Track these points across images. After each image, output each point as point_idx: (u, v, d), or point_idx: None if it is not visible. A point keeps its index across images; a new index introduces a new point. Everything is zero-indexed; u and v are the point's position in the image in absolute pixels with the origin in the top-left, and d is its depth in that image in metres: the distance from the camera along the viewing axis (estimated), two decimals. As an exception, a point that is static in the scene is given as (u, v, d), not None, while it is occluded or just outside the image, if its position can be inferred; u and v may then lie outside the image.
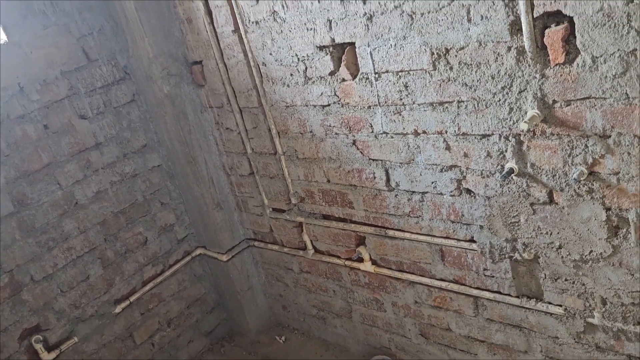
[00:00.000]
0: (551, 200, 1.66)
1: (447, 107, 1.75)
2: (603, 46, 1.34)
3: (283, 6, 2.00)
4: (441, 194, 1.94)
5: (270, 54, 2.17)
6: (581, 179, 1.53)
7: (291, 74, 2.15)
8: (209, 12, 2.31)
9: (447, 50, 1.64)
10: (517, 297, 1.95)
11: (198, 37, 2.43)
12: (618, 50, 1.33)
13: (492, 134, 1.68)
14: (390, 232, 2.20)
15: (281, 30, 2.07)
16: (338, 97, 2.04)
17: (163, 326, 2.90)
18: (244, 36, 2.22)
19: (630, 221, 1.53)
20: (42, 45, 2.30)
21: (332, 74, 2.00)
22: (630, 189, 1.48)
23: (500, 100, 1.60)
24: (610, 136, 1.45)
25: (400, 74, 1.80)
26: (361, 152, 2.10)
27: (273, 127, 2.38)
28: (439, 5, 1.58)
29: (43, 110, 2.33)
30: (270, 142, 2.45)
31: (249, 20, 2.17)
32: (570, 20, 1.38)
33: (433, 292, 2.25)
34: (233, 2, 2.17)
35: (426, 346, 2.46)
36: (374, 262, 2.39)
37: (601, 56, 1.36)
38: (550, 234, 1.72)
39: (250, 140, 2.54)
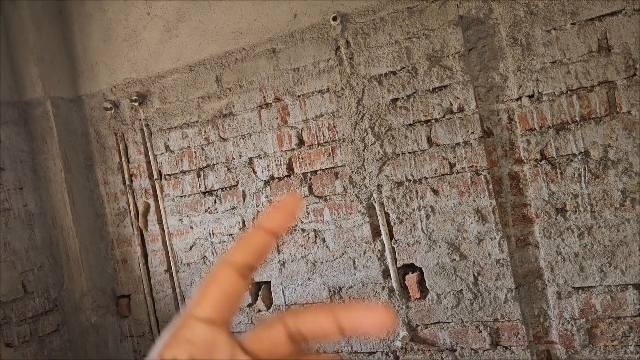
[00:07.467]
0: (423, 404, 2.16)
1: (341, 331, 2.29)
2: (442, 287, 2.04)
3: (213, 252, 2.58)
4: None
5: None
6: (442, 384, 2.08)
7: (214, 306, 2.61)
8: (145, 255, 2.81)
9: (340, 288, 2.26)
10: None
11: (130, 274, 2.86)
12: (452, 290, 2.03)
13: (376, 351, 2.23)
14: None
15: (209, 271, 2.60)
16: (254, 324, 2.51)
17: None
18: (174, 275, 2.71)
19: (479, 416, 2.06)
20: (-13, 279, 2.59)
21: (249, 305, 2.51)
22: (475, 390, 2.05)
23: (380, 325, 2.19)
24: (456, 350, 2.06)
25: (305, 306, 2.36)
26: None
27: (191, 353, 2.71)
28: (333, 256, 2.25)
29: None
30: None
31: (182, 263, 2.69)
32: (421, 270, 2.09)
33: None
34: (169, 247, 2.71)
35: None
36: None
37: (442, 293, 2.05)
38: None
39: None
